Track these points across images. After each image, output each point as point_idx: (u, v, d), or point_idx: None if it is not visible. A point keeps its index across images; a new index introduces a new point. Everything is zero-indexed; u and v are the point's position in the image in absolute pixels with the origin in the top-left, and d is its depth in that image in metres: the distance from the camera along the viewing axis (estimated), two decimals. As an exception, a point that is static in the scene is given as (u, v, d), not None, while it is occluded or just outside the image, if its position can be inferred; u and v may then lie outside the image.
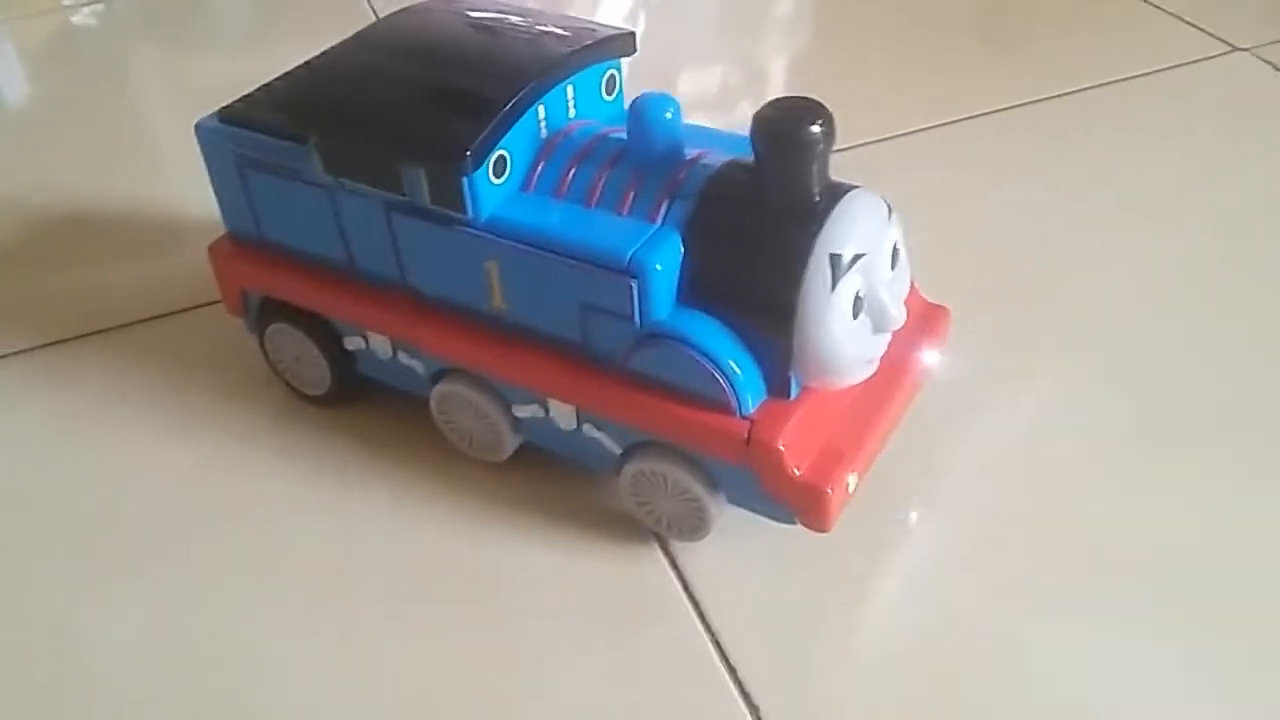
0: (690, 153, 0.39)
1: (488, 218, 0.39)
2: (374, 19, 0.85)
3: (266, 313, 0.48)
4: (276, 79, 0.45)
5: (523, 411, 0.43)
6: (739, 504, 0.40)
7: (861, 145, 0.66)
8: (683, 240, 0.37)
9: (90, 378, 0.52)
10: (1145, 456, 0.46)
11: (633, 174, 0.39)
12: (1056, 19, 0.81)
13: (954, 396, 0.47)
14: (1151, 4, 0.82)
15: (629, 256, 0.37)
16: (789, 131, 0.35)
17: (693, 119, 0.41)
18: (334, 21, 0.85)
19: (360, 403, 0.49)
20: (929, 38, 0.80)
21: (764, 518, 0.39)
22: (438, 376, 0.44)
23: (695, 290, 0.38)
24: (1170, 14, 0.80)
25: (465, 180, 0.38)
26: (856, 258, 0.36)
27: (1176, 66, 0.74)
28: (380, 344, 0.45)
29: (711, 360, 0.37)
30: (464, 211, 0.39)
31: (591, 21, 0.43)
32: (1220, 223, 0.60)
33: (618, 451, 0.41)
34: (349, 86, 0.41)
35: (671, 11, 0.88)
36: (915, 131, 0.68)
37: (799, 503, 0.38)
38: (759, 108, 0.36)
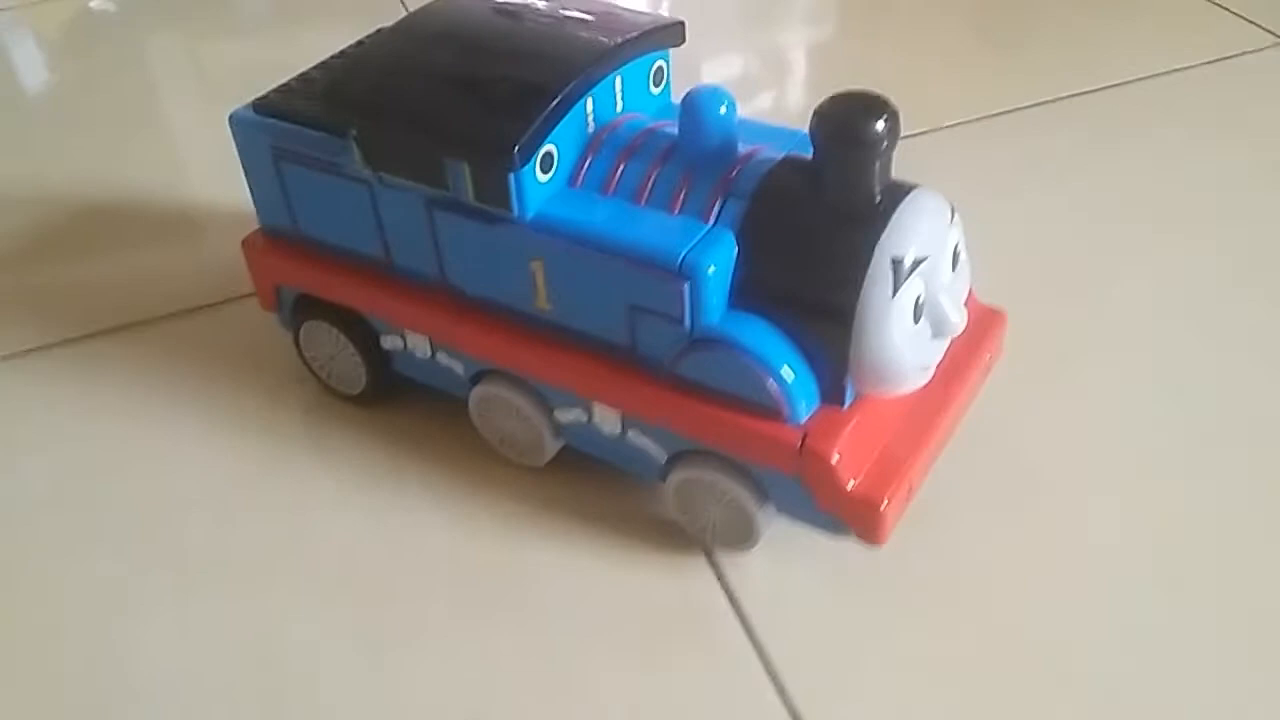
0: (744, 149, 0.38)
1: (534, 215, 0.38)
2: (401, 4, 0.84)
3: (301, 309, 0.46)
4: (312, 68, 0.44)
5: (565, 415, 0.41)
6: (789, 514, 0.38)
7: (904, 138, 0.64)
8: (737, 241, 0.36)
9: (121, 373, 0.51)
10: (1206, 462, 0.44)
11: (685, 171, 0.37)
12: (1098, 9, 0.79)
13: (1009, 402, 0.46)
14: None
15: (681, 257, 0.35)
16: (851, 128, 0.34)
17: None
18: (356, 5, 0.84)
19: (396, 402, 0.48)
20: (969, 27, 0.78)
21: (815, 529, 0.38)
22: (477, 378, 0.43)
23: (749, 293, 0.36)
24: (1219, 5, 0.78)
25: (512, 177, 0.37)
26: (918, 262, 0.34)
27: (1226, 58, 0.71)
28: (419, 343, 0.44)
29: (765, 366, 0.35)
30: (509, 209, 0.37)
31: (638, 11, 0.42)
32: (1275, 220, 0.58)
33: (663, 459, 0.40)
34: (389, 77, 0.40)
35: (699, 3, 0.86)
36: (958, 124, 0.66)
37: (853, 516, 0.36)
38: (819, 102, 0.35)
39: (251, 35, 0.85)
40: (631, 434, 0.40)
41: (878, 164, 0.35)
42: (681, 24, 0.42)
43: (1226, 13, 0.77)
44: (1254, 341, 0.50)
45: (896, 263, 0.34)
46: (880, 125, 0.34)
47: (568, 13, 0.41)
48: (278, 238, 0.46)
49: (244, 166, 0.45)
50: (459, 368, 0.43)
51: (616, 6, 0.42)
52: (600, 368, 0.39)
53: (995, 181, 0.61)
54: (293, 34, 0.84)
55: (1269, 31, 0.74)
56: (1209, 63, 0.72)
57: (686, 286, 0.35)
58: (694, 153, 0.37)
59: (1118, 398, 0.48)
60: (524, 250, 0.38)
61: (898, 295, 0.34)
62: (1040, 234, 0.57)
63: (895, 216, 0.35)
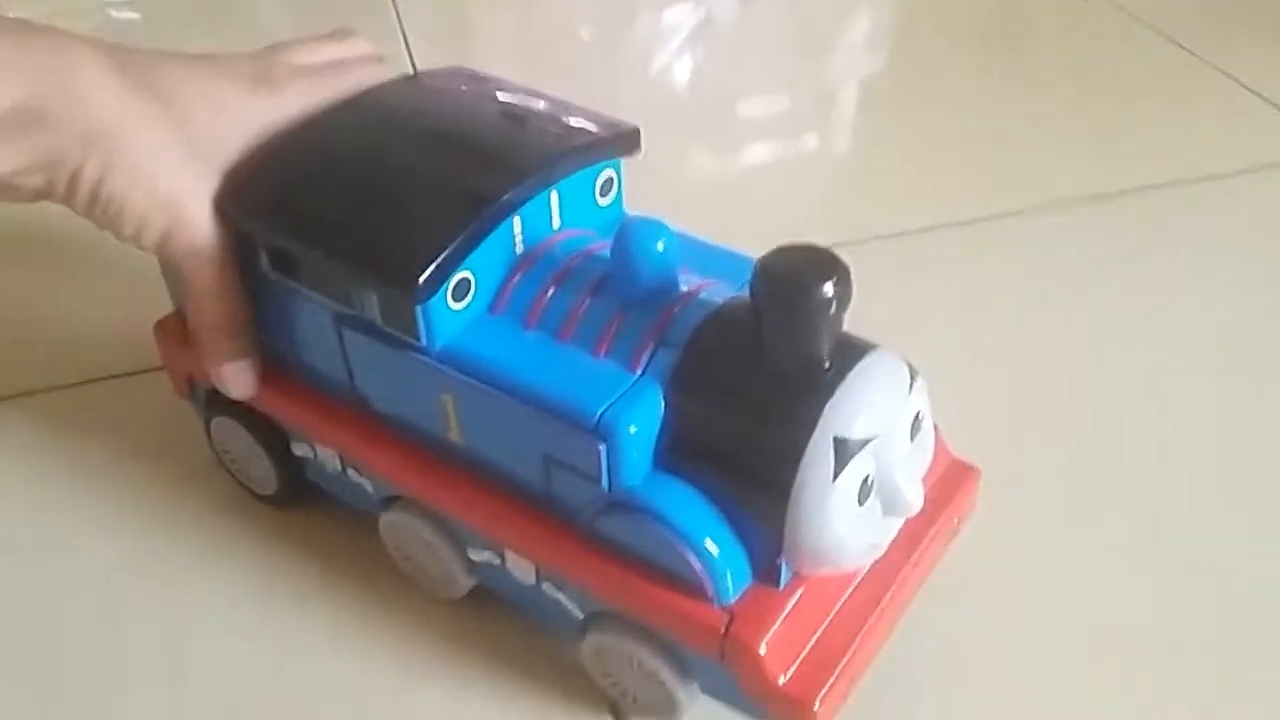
0: (686, 285, 0.34)
1: (443, 347, 0.34)
2: (398, 23, 0.82)
3: (212, 403, 0.42)
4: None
5: (478, 555, 0.37)
6: (714, 696, 0.34)
7: (881, 239, 0.59)
8: (666, 395, 0.32)
9: (10, 448, 0.47)
10: (1200, 662, 0.39)
11: (616, 308, 0.33)
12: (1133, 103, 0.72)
13: (978, 574, 0.40)
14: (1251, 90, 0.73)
15: (599, 415, 0.31)
16: (795, 292, 0.29)
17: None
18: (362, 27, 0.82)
19: (312, 506, 0.44)
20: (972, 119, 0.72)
21: (742, 715, 0.34)
22: (389, 501, 0.39)
23: (676, 454, 0.32)
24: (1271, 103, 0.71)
25: (418, 308, 0.33)
26: (866, 440, 0.30)
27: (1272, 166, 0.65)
28: (328, 456, 0.40)
29: (687, 540, 0.31)
30: (417, 339, 0.34)
31: (596, 114, 0.38)
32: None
33: (579, 616, 0.36)
34: (305, 178, 0.36)
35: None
36: (942, 227, 0.60)
37: (782, 713, 0.32)
38: (763, 255, 0.31)
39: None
40: (546, 586, 0.36)
41: (825, 328, 0.30)
42: (637, 131, 0.37)
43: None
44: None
45: (840, 442, 0.30)
46: (827, 288, 0.29)
47: (511, 111, 0.37)
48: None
49: None
50: (369, 488, 0.39)
51: (569, 105, 0.38)
52: (515, 513, 0.35)
53: (983, 298, 0.55)
54: None
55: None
56: (1248, 171, 0.65)
57: (603, 446, 0.31)
58: (627, 288, 0.33)
59: (1107, 572, 0.42)
60: (433, 382, 0.34)
61: (840, 478, 0.30)
62: (1035, 361, 0.52)
63: (842, 388, 0.30)
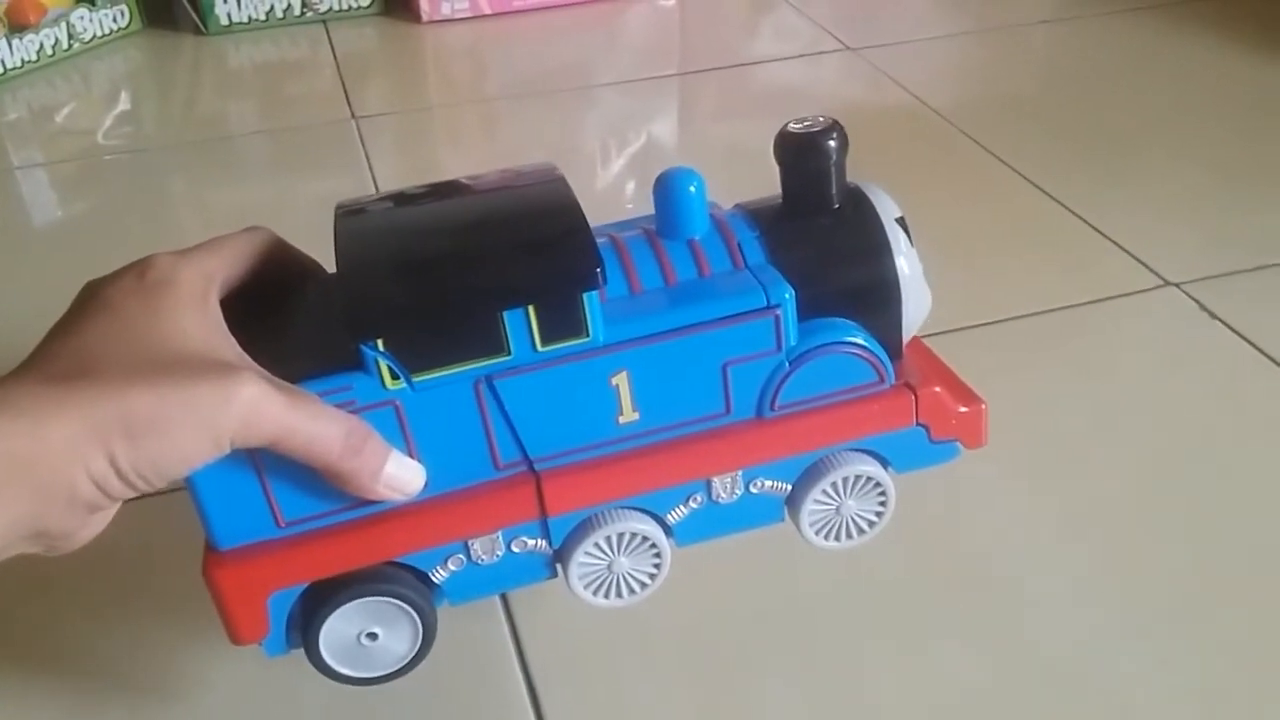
0: (714, 211, 0.42)
1: (606, 332, 0.38)
2: (363, 151, 0.93)
3: (319, 599, 0.40)
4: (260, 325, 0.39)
5: (678, 514, 0.41)
6: (904, 469, 0.43)
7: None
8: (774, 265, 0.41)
9: None
10: None
11: (686, 239, 0.41)
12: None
13: None
14: (1097, 230, 0.80)
15: (765, 295, 0.39)
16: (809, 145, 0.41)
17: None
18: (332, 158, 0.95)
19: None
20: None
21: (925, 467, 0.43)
22: (564, 545, 0.41)
23: (798, 304, 0.41)
24: (1112, 242, 0.79)
25: (586, 298, 0.37)
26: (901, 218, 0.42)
27: (1109, 299, 0.73)
28: (488, 546, 0.40)
29: (864, 348, 0.40)
30: (586, 333, 0.38)
31: (512, 167, 0.44)
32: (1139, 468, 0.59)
33: (788, 492, 0.42)
34: (378, 270, 0.37)
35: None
36: None
37: (965, 430, 0.43)
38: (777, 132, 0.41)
39: (256, 183, 0.94)
40: (754, 485, 0.42)
41: (834, 170, 0.42)
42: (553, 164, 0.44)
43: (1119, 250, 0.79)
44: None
45: (900, 220, 0.42)
46: (834, 137, 0.41)
47: (482, 182, 0.42)
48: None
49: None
50: (545, 545, 0.41)
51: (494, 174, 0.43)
52: (713, 441, 0.40)
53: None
54: (290, 183, 0.93)
55: (1154, 272, 0.76)
56: (1090, 302, 0.73)
57: (781, 314, 0.39)
58: (681, 223, 0.41)
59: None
60: (604, 371, 0.39)
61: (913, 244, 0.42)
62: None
63: (870, 194, 0.42)
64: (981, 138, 0.93)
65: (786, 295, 0.39)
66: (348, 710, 0.47)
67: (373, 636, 0.41)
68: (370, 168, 0.92)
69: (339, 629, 0.40)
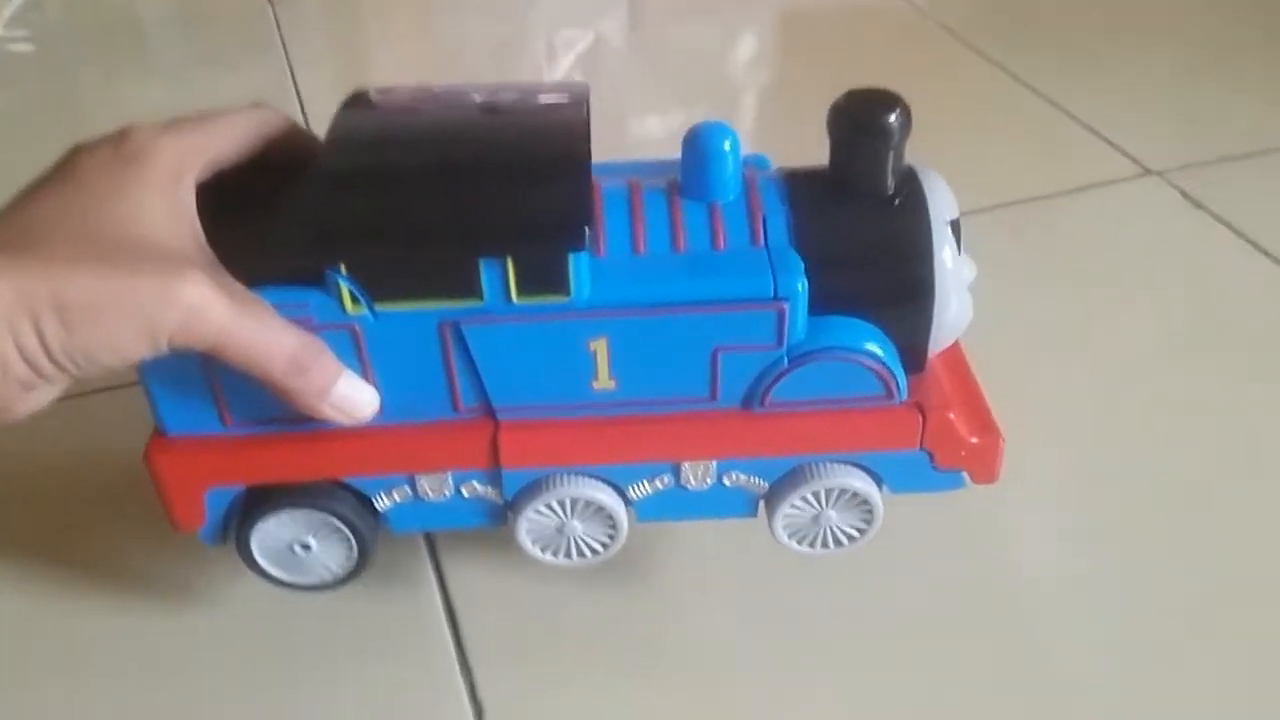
0: (745, 173, 0.38)
1: (590, 294, 0.35)
2: (284, 55, 0.84)
3: (257, 501, 0.38)
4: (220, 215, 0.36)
5: (641, 489, 0.39)
6: (899, 491, 0.39)
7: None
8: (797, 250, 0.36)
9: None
10: None
11: (708, 202, 0.36)
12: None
13: None
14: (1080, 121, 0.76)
15: (773, 285, 0.35)
16: (869, 120, 0.35)
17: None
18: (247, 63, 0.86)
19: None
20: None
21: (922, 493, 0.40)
22: (518, 498, 0.39)
23: (817, 294, 0.36)
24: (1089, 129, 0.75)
25: (572, 257, 0.33)
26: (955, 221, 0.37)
27: (1088, 187, 0.70)
28: (437, 485, 0.38)
29: (873, 357, 0.36)
30: (567, 292, 0.34)
31: (547, 84, 0.39)
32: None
33: (763, 491, 0.39)
34: (356, 189, 0.34)
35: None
36: None
37: (974, 463, 0.38)
38: (834, 101, 0.36)
39: (170, 76, 0.87)
40: (727, 478, 0.38)
41: (893, 151, 0.36)
42: (587, 85, 0.40)
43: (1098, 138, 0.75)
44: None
45: (952, 223, 0.37)
46: (895, 116, 0.35)
47: (500, 96, 0.38)
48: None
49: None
50: (495, 494, 0.39)
51: (520, 82, 0.39)
52: (691, 424, 0.37)
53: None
54: (213, 75, 0.85)
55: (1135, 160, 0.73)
56: (1074, 190, 0.70)
57: (786, 309, 0.35)
58: (710, 184, 0.36)
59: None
60: (582, 334, 0.35)
61: (960, 252, 0.37)
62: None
63: (927, 185, 0.37)
64: (946, 19, 0.88)
65: (798, 287, 0.35)
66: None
67: (306, 547, 0.39)
68: (289, 61, 0.84)
69: (274, 532, 0.39)
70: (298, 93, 0.77)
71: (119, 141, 0.34)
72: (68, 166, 0.34)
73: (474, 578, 0.45)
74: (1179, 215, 0.66)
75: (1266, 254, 0.62)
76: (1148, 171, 0.70)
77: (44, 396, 0.34)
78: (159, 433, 0.38)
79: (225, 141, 0.36)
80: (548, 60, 0.88)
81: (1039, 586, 0.45)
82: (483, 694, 0.41)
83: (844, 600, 0.44)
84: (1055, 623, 0.43)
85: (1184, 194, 0.68)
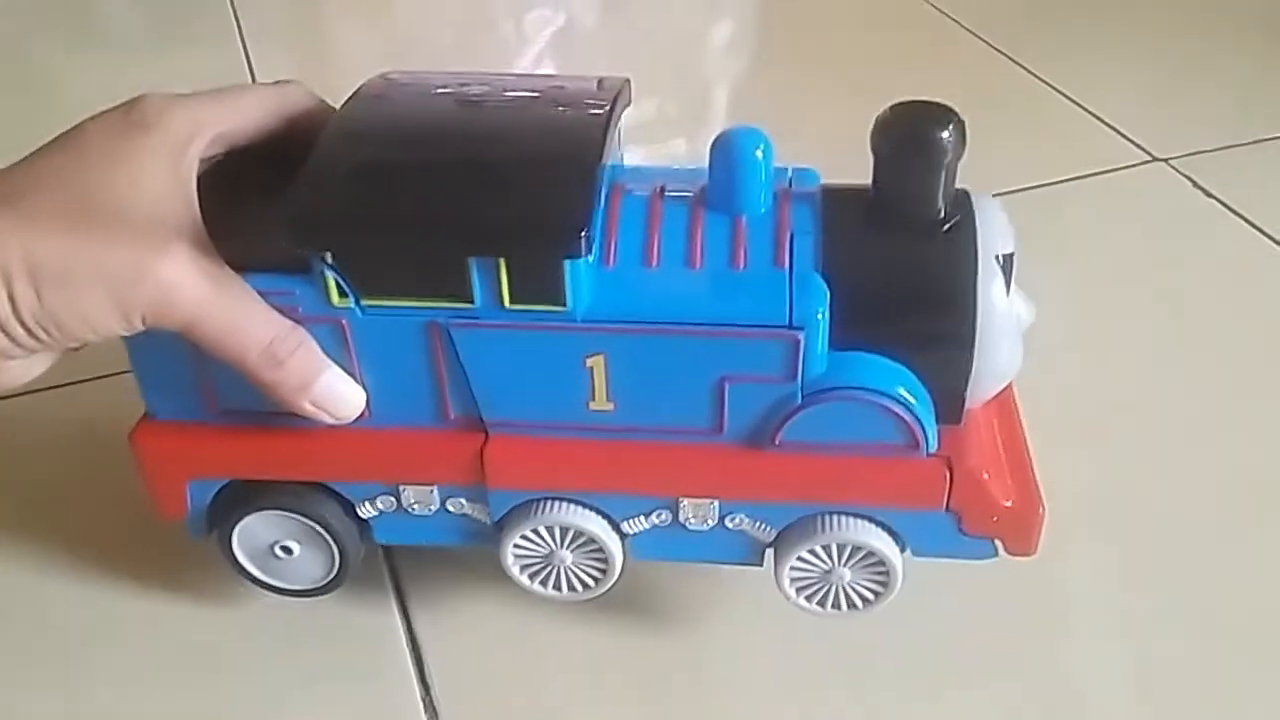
0: (779, 186, 0.35)
1: (588, 306, 0.32)
2: (237, 29, 0.79)
3: (239, 499, 0.37)
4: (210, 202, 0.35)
5: (637, 525, 0.36)
6: (922, 555, 0.35)
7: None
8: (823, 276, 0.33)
9: None
10: None
11: (733, 216, 0.33)
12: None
13: None
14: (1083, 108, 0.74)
15: (789, 312, 0.31)
16: (920, 137, 0.32)
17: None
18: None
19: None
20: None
21: (950, 559, 0.36)
22: (507, 518, 0.36)
23: (843, 327, 0.33)
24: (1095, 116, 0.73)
25: (569, 266, 0.31)
26: (1012, 255, 0.33)
27: (1095, 174, 0.68)
28: (423, 497, 0.36)
29: (899, 401, 0.32)
30: (563, 303, 0.32)
31: (578, 78, 0.37)
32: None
33: (770, 538, 0.35)
34: (364, 182, 0.32)
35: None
36: None
37: (1009, 531, 0.34)
38: (880, 113, 0.32)
39: (120, 52, 0.84)
40: (730, 521, 0.35)
41: (946, 171, 0.33)
42: (629, 80, 0.37)
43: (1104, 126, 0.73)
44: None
45: (1003, 258, 0.33)
46: (948, 133, 0.32)
47: (520, 88, 0.36)
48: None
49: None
50: (482, 513, 0.36)
51: (555, 75, 0.37)
52: (695, 458, 0.34)
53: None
54: (167, 50, 0.82)
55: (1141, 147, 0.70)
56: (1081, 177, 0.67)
57: (801, 340, 0.31)
58: (737, 196, 0.33)
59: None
60: (577, 349, 0.32)
61: (1011, 292, 0.33)
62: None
63: (980, 214, 0.33)
64: (947, 7, 0.86)
65: (818, 316, 0.32)
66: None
67: (287, 550, 0.37)
68: (243, 42, 0.80)
69: (256, 531, 0.37)
70: (251, 70, 0.74)
71: (129, 108, 0.33)
72: (76, 130, 0.33)
73: (440, 603, 0.41)
74: (1188, 203, 0.65)
75: (1278, 242, 0.60)
76: (1154, 158, 0.68)
77: (27, 370, 0.33)
78: (147, 416, 0.36)
79: (241, 117, 0.35)
80: (516, 37, 0.85)
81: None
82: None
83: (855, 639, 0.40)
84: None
85: (1194, 182, 0.66)
